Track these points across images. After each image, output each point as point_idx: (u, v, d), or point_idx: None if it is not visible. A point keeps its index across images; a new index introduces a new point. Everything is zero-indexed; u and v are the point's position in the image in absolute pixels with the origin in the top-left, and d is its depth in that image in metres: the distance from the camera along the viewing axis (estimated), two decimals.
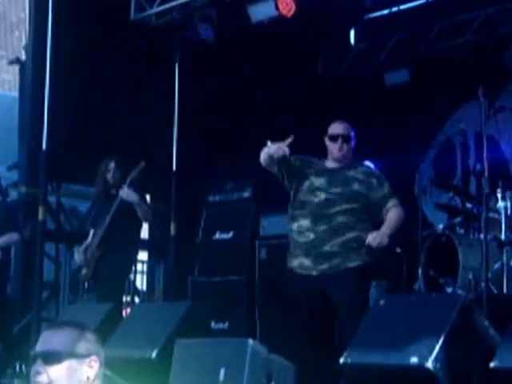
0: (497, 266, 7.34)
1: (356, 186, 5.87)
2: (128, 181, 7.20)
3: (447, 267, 7.50)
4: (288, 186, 5.99)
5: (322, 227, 5.75)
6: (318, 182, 5.87)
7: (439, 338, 4.49)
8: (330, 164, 6.00)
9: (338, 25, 10.20)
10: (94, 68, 9.16)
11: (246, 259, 8.53)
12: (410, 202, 9.61)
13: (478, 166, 7.32)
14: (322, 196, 5.81)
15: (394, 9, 10.09)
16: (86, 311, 7.02)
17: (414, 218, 8.27)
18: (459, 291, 7.24)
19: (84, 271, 7.47)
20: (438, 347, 4.45)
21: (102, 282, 7.34)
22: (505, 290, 7.23)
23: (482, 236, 6.94)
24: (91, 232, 7.55)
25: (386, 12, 10.20)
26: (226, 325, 8.29)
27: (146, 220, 7.54)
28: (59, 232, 9.62)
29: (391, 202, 5.90)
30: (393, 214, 5.86)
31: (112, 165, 7.41)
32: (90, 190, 8.68)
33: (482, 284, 6.64)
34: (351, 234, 5.78)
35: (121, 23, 9.18)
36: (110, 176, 7.41)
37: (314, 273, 5.75)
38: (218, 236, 8.78)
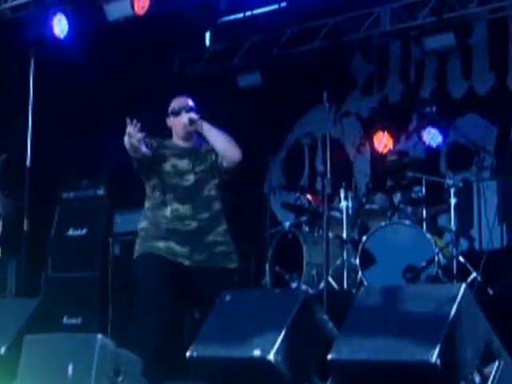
0: (338, 262, 7.70)
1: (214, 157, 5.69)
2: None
3: (293, 263, 7.78)
4: (146, 170, 5.68)
5: (204, 215, 5.57)
6: (182, 163, 5.64)
7: (281, 331, 4.62)
8: (181, 143, 5.76)
9: (193, 26, 10.30)
10: None
11: (99, 255, 8.59)
12: (259, 200, 9.93)
13: (323, 168, 7.62)
14: (192, 178, 5.61)
15: (248, 13, 10.31)
16: None
17: (262, 215, 8.54)
18: (303, 287, 7.53)
19: None
20: (279, 340, 4.57)
21: None
22: (345, 286, 7.59)
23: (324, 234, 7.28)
24: None
25: (240, 16, 10.40)
26: (79, 320, 8.32)
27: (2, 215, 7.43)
28: None
29: None
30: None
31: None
32: None
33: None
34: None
35: None
36: None
37: (187, 262, 5.53)
38: (71, 232, 8.81)
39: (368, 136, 10.08)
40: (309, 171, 10.80)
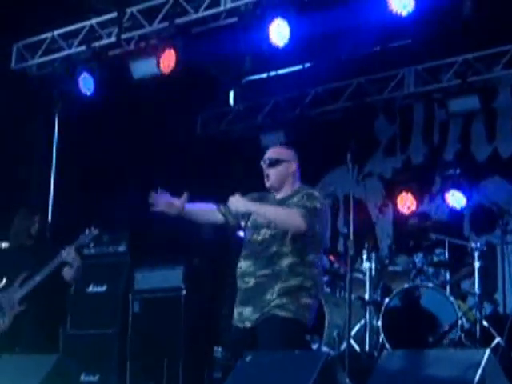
0: (360, 324, 7.61)
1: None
2: (76, 244, 7.02)
3: (314, 324, 7.69)
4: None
5: (264, 271, 5.23)
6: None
7: None
8: (277, 195, 5.47)
9: (218, 86, 10.40)
10: None
11: (118, 312, 8.55)
12: None
13: (346, 228, 7.58)
14: (265, 233, 5.30)
15: (272, 73, 10.38)
16: None
17: None
18: (324, 348, 7.44)
19: None
20: None
21: (30, 334, 7.16)
22: (367, 348, 7.49)
23: (347, 295, 7.21)
24: None
25: (264, 75, 10.47)
26: (97, 378, 8.26)
27: (74, 280, 7.45)
28: None
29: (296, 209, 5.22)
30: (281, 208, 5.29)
31: (37, 218, 7.28)
32: None
33: (346, 341, 6.87)
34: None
35: (1, 73, 9.15)
36: (34, 229, 7.27)
37: (249, 324, 5.25)
38: (91, 288, 8.77)
39: (391, 197, 10.06)
40: (331, 231, 10.76)
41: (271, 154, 5.46)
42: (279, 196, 5.42)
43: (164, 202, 5.43)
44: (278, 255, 5.21)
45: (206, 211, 5.72)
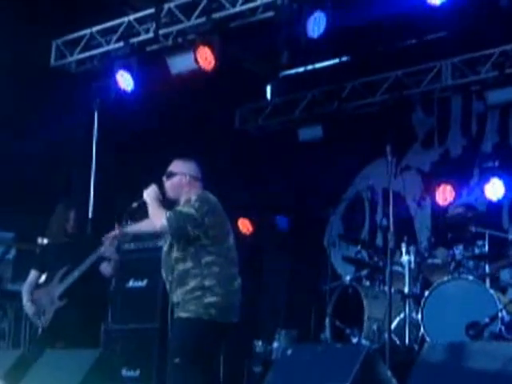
0: (400, 317, 7.59)
1: None
2: (116, 241, 7.07)
3: (353, 318, 7.70)
4: None
5: (169, 277, 5.75)
6: None
7: None
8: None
9: (255, 80, 10.41)
10: (12, 112, 9.14)
11: (159, 307, 8.57)
12: (319, 254, 9.89)
13: (385, 221, 7.55)
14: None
15: (310, 67, 10.36)
16: None
17: (323, 269, 8.49)
18: (364, 341, 7.43)
19: (38, 317, 7.31)
20: None
21: (71, 329, 7.22)
22: (407, 341, 7.47)
23: (386, 288, 7.20)
24: (34, 273, 7.44)
25: (301, 69, 10.46)
26: (137, 373, 8.28)
27: (112, 276, 7.52)
28: None
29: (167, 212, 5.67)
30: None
31: (72, 215, 7.35)
32: (3, 235, 8.58)
33: (386, 335, 6.86)
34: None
35: (41, 70, 9.23)
36: (69, 226, 7.34)
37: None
38: (131, 284, 8.81)
39: (429, 190, 10.01)
40: (369, 225, 10.75)
41: (170, 167, 5.88)
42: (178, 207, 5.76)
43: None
44: (176, 261, 5.62)
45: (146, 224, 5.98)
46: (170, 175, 5.81)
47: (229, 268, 5.67)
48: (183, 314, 5.52)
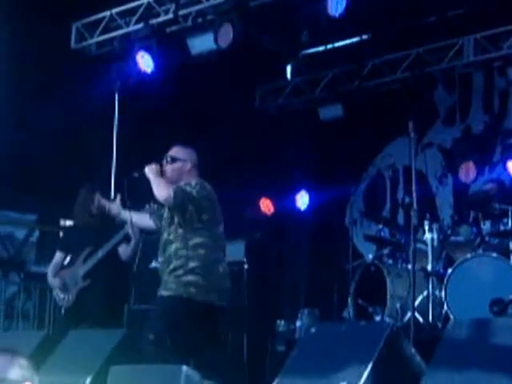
0: (423, 295, 7.57)
1: None
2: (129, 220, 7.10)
3: (376, 296, 7.69)
4: None
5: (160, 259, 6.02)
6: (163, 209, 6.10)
7: (367, 364, 4.59)
8: None
9: (275, 60, 10.37)
10: (32, 96, 9.14)
11: None
12: (340, 233, 9.88)
13: (407, 199, 7.53)
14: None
15: (329, 45, 10.30)
16: (20, 338, 6.99)
17: (344, 248, 8.49)
18: (387, 319, 7.42)
19: (63, 297, 7.36)
20: (366, 374, 4.54)
21: (95, 309, 7.27)
22: (430, 319, 7.46)
23: (409, 266, 7.18)
24: (59, 255, 7.49)
25: (321, 49, 10.41)
26: None
27: (130, 258, 7.56)
28: None
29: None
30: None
31: (96, 197, 7.35)
32: (26, 217, 8.61)
33: (409, 313, 6.84)
34: None
35: (61, 52, 9.23)
36: (93, 208, 7.37)
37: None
38: (154, 264, 8.84)
39: (451, 167, 9.95)
40: (390, 203, 10.71)
41: (171, 152, 6.05)
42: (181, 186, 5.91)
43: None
44: (168, 242, 5.88)
45: (142, 217, 6.36)
46: (173, 160, 5.99)
47: (216, 252, 5.89)
48: (165, 293, 5.78)
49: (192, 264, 5.76)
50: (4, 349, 3.23)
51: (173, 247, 5.84)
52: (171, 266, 5.80)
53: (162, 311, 5.79)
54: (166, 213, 5.99)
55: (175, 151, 6.04)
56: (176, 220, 5.86)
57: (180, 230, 5.84)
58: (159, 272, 5.98)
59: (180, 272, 5.75)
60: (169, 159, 6.00)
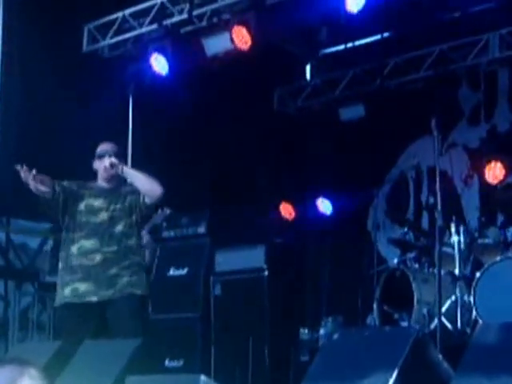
0: (451, 300, 7.37)
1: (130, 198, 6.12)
2: (149, 225, 7.17)
3: (402, 302, 7.50)
4: (60, 210, 6.08)
5: (111, 248, 5.98)
6: (97, 202, 6.09)
7: (393, 371, 4.45)
8: (103, 185, 6.21)
9: (294, 60, 10.24)
10: (45, 99, 9.02)
11: (200, 295, 8.43)
12: (363, 237, 9.71)
13: (431, 200, 7.35)
14: (105, 215, 6.04)
15: (349, 44, 10.14)
16: (35, 349, 6.88)
17: (367, 252, 8.31)
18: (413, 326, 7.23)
19: None
20: (391, 381, 4.41)
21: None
22: (458, 325, 7.25)
23: (435, 270, 6.95)
24: None
25: (341, 48, 10.25)
26: (181, 362, 8.16)
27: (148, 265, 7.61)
28: (8, 269, 9.42)
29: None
30: None
31: None
32: (40, 225, 8.46)
33: (436, 319, 6.63)
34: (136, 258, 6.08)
35: (74, 55, 9.11)
36: None
37: (95, 298, 5.96)
38: (172, 272, 8.67)
39: (477, 167, 9.75)
40: (414, 206, 10.51)
41: (111, 148, 6.23)
42: (105, 186, 6.15)
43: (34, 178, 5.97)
44: (125, 235, 5.99)
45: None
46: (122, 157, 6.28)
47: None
48: (137, 291, 5.96)
49: (143, 262, 6.29)
50: (13, 360, 3.11)
51: (129, 242, 6.01)
52: (134, 261, 6.01)
53: (140, 310, 6.13)
54: (126, 203, 6.06)
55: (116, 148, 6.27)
56: (134, 217, 6.04)
57: (136, 227, 6.09)
58: (104, 262, 5.95)
59: (143, 271, 6.10)
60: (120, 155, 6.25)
